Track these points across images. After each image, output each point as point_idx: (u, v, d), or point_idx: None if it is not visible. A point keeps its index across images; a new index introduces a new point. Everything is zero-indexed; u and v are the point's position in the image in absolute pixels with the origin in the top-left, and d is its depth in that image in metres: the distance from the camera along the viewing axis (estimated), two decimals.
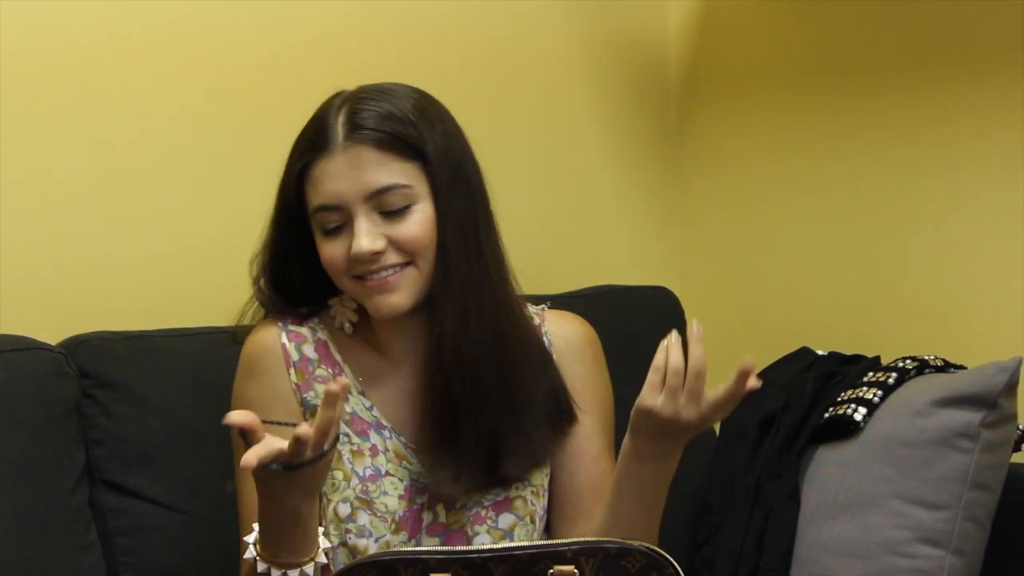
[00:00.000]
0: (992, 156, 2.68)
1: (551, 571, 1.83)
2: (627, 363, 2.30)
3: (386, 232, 1.99)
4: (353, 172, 1.99)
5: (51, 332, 2.32)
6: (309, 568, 1.87)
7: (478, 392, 2.03)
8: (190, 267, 2.59)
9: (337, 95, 2.07)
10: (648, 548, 1.88)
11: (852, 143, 2.89)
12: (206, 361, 2.37)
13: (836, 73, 2.91)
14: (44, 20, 2.45)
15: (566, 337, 2.16)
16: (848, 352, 2.64)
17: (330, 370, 2.10)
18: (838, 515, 2.40)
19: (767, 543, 2.43)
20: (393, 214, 2.00)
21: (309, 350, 2.10)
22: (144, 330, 2.39)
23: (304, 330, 2.12)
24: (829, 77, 2.92)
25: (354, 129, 2.00)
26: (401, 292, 2.01)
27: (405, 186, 2.00)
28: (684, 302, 2.89)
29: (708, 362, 2.85)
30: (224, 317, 2.47)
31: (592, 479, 2.14)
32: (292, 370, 2.09)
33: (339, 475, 2.07)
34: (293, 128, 2.65)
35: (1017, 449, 2.47)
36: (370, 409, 2.10)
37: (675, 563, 1.87)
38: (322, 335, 2.12)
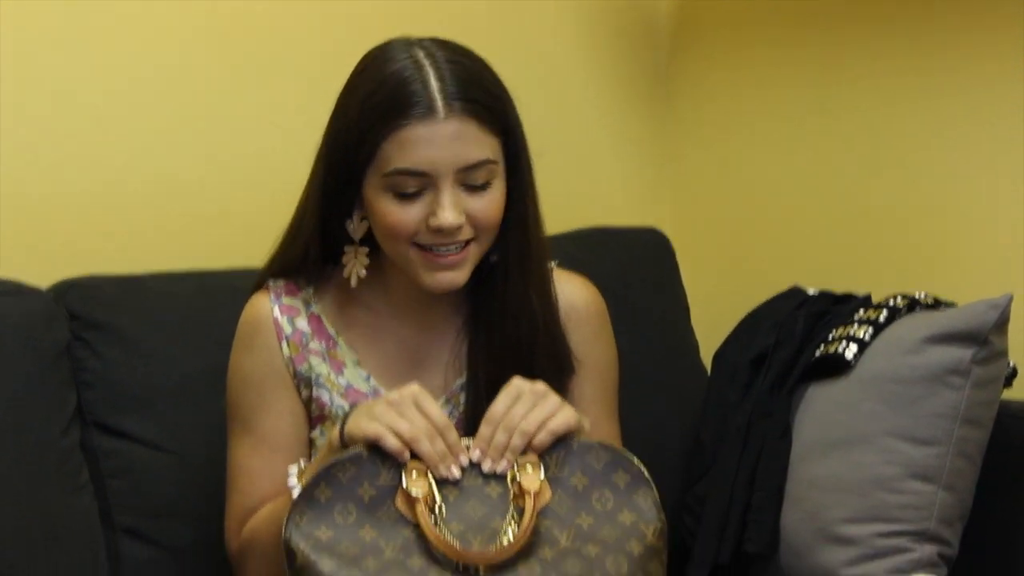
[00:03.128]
0: (983, 93, 2.67)
1: (517, 462, 1.91)
2: (619, 306, 2.31)
3: (467, 207, 1.98)
4: (452, 143, 1.95)
5: (41, 276, 2.32)
6: None
7: (528, 355, 2.07)
8: (180, 210, 2.59)
9: (406, 44, 2.02)
10: (610, 446, 1.94)
11: (843, 82, 2.88)
12: (196, 303, 2.37)
13: (827, 11, 2.89)
14: None
15: (572, 303, 2.16)
16: (839, 290, 2.64)
17: (323, 343, 2.10)
18: (829, 452, 2.40)
19: (759, 480, 2.43)
20: (475, 189, 1.99)
21: (302, 323, 2.10)
22: (134, 273, 2.39)
23: (298, 302, 2.11)
24: (820, 16, 2.91)
25: (456, 97, 1.96)
26: (463, 270, 2.02)
27: (493, 162, 2.00)
28: (675, 242, 2.89)
29: (701, 303, 2.89)
30: (214, 260, 2.49)
31: None
32: (285, 343, 2.09)
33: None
34: (290, 71, 2.68)
35: (1008, 385, 2.47)
36: (367, 379, 2.10)
37: (636, 460, 1.93)
38: (316, 308, 2.11)
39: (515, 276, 2.06)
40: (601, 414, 2.17)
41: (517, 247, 2.06)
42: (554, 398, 1.94)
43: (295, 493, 1.91)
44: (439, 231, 1.97)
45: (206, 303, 2.38)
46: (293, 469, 1.96)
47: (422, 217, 1.98)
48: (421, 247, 2.00)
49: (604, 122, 3.12)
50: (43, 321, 2.24)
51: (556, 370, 2.08)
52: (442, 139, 1.95)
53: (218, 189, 2.62)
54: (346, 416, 1.95)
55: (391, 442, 1.87)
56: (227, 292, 2.33)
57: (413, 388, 1.93)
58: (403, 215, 1.98)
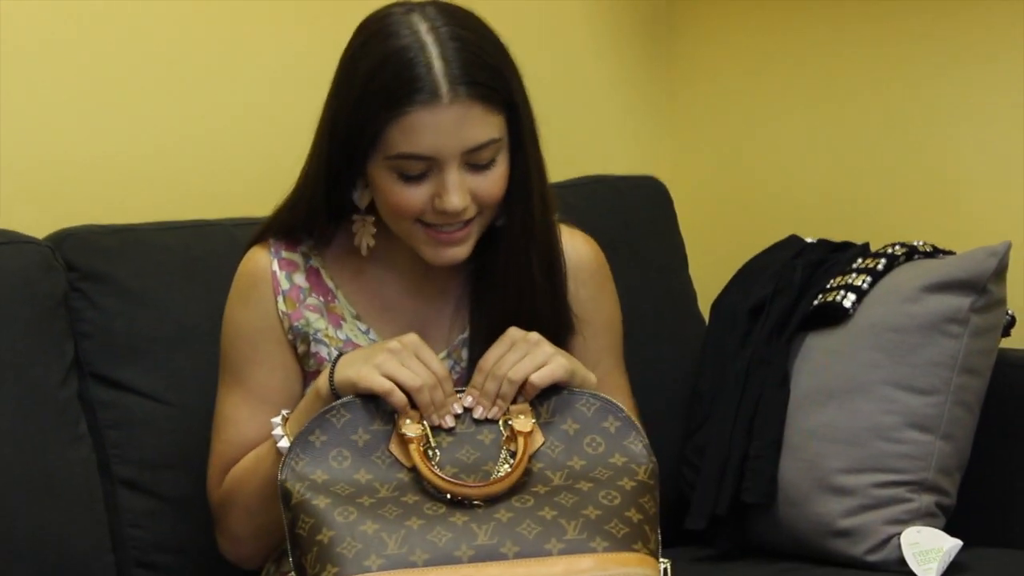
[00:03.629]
0: (983, 40, 2.67)
1: (509, 410, 1.95)
2: (617, 255, 2.30)
3: (471, 186, 1.97)
4: (456, 128, 1.94)
5: (37, 226, 2.31)
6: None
7: (529, 315, 2.05)
8: (178, 160, 2.58)
9: (407, 13, 1.98)
10: (599, 394, 1.98)
11: (844, 29, 2.87)
12: (194, 254, 2.36)
13: None
14: None
15: (575, 261, 2.15)
16: (837, 239, 2.64)
17: (321, 298, 2.10)
18: (828, 401, 2.41)
19: (757, 429, 2.44)
20: (480, 168, 1.98)
21: (300, 279, 2.10)
22: (131, 223, 2.38)
23: (296, 256, 2.10)
24: None
25: (460, 81, 1.93)
26: (467, 245, 2.02)
27: (498, 141, 1.98)
28: (673, 191, 2.88)
29: (699, 251, 2.88)
30: (211, 210, 2.47)
31: None
32: (281, 298, 2.08)
33: None
34: (289, 20, 2.65)
35: (1006, 334, 2.47)
36: (366, 333, 2.10)
37: (623, 408, 1.97)
38: (315, 262, 2.11)
39: (518, 243, 2.05)
40: (610, 367, 2.17)
41: (521, 215, 2.05)
42: (546, 348, 1.97)
43: (281, 443, 1.94)
44: (442, 213, 1.97)
45: (204, 253, 2.36)
46: (277, 419, 1.98)
47: (427, 198, 1.97)
48: (425, 224, 2.00)
49: (603, 70, 3.10)
50: (40, 271, 2.23)
51: (557, 329, 2.08)
52: (447, 124, 1.94)
53: (215, 139, 2.61)
54: (334, 364, 1.96)
55: (398, 399, 1.90)
56: (225, 242, 2.32)
57: (413, 337, 1.95)
58: (408, 197, 1.98)
